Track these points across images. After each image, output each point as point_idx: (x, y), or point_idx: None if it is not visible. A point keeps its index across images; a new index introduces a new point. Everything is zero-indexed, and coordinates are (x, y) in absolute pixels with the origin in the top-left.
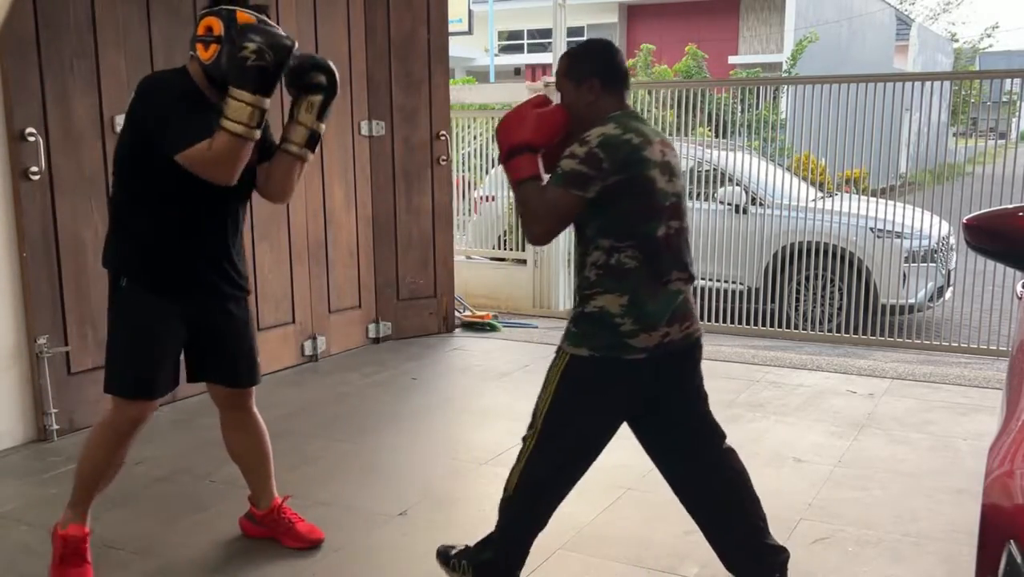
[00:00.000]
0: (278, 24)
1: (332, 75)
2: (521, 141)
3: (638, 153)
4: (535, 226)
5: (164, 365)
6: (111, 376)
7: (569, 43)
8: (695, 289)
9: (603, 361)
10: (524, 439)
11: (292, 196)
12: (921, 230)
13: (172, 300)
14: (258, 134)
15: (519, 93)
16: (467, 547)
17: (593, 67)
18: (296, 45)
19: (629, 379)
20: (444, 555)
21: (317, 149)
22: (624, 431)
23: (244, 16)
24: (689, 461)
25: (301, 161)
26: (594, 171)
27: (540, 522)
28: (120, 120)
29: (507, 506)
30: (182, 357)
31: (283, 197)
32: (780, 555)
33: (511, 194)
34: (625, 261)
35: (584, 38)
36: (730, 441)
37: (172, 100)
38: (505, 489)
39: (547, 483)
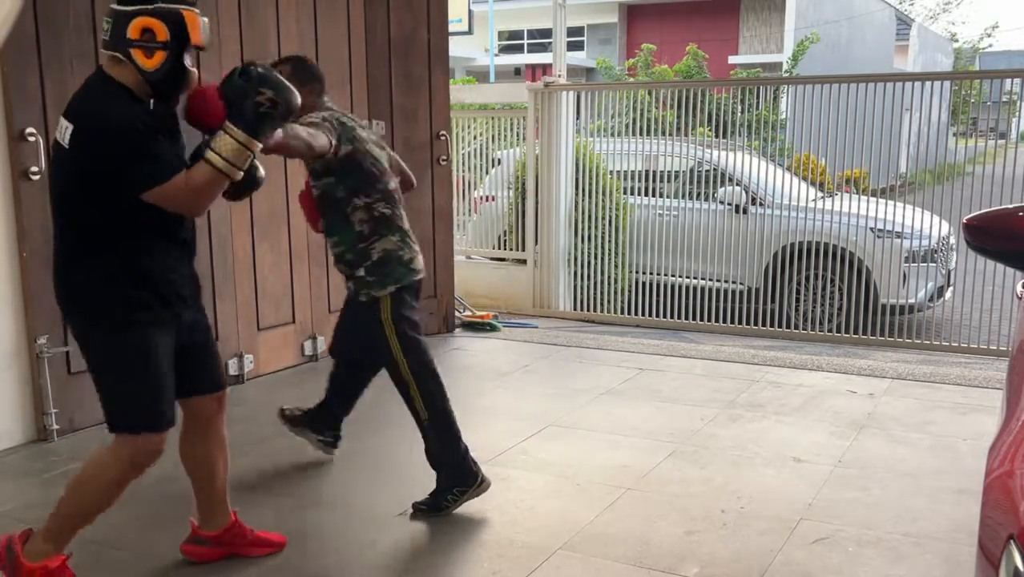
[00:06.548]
0: (278, 25)
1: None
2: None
3: (355, 131)
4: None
5: (171, 390)
6: (123, 413)
7: (569, 43)
8: (697, 289)
9: (405, 288)
10: (402, 380)
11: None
12: (921, 230)
13: (165, 323)
14: (239, 175)
15: (519, 93)
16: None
17: (314, 76)
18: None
19: (414, 293)
20: None
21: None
22: (624, 436)
23: (191, 17)
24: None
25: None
26: (334, 129)
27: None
28: None
29: (437, 431)
30: None
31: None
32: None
33: (511, 194)
34: (384, 210)
35: (583, 39)
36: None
37: (134, 136)
38: (421, 413)
39: (426, 367)
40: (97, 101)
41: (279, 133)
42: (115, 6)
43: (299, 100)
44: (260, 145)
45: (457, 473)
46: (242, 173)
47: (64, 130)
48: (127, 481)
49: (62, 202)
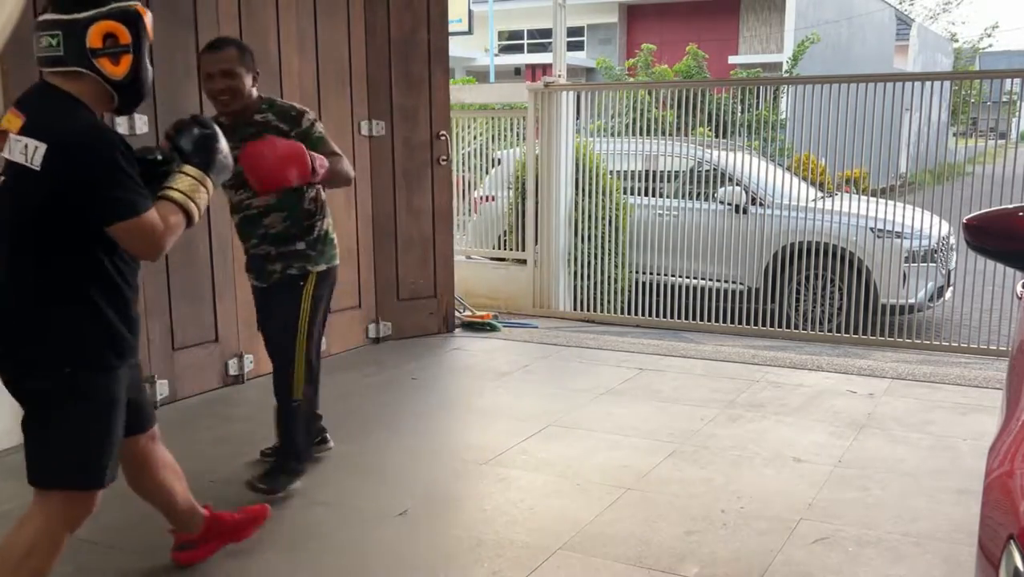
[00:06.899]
0: (278, 25)
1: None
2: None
3: None
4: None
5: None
6: (68, 468)
7: (569, 43)
8: (697, 289)
9: (332, 270)
10: (293, 345)
11: None
12: (921, 230)
13: (130, 368)
14: (198, 216)
15: (519, 93)
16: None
17: (254, 60)
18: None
19: (333, 282)
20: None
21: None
22: (624, 436)
23: (144, 12)
24: None
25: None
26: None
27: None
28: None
29: (301, 418)
30: None
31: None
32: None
33: (511, 194)
34: (323, 194)
35: (583, 39)
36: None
37: (119, 156)
38: (293, 393)
39: (317, 361)
40: (70, 118)
41: (324, 164)
42: (58, 15)
43: (231, 162)
44: (212, 185)
45: (298, 463)
46: (199, 214)
47: (31, 151)
48: (63, 545)
49: (33, 230)
